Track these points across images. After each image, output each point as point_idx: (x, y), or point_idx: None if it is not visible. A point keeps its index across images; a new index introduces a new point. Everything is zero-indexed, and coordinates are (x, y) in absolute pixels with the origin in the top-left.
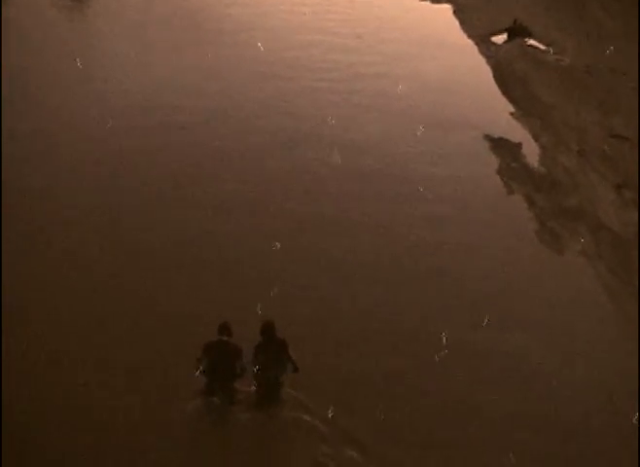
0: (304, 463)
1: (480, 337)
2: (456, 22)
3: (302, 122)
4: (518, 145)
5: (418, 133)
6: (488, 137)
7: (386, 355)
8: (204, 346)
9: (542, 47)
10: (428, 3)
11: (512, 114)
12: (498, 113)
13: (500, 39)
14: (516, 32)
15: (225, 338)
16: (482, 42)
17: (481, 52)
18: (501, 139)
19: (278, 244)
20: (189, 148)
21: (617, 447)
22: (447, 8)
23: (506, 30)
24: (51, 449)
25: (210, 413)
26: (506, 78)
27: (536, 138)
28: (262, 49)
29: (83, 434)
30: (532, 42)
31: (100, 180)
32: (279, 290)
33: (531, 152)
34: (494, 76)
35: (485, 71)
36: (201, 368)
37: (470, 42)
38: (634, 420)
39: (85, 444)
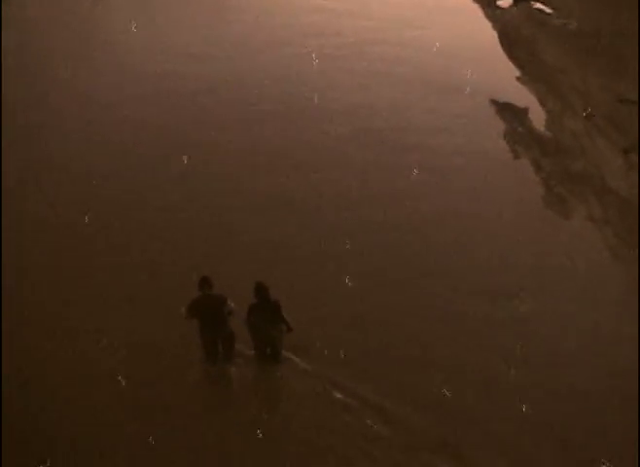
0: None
1: (488, 304)
2: None
3: (307, 88)
4: (525, 110)
5: (424, 98)
6: (494, 102)
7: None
8: (190, 304)
9: (548, 10)
10: None
11: (518, 78)
12: (504, 77)
13: (506, 3)
14: None
15: (207, 291)
16: (488, 6)
17: (487, 16)
18: (507, 104)
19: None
20: (196, 115)
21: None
22: None
23: None
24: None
25: (210, 373)
26: (512, 42)
27: (542, 103)
28: (266, 15)
29: (88, 400)
30: (538, 6)
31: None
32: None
33: (538, 116)
34: (500, 40)
35: (491, 36)
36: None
37: (475, 6)
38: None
39: (89, 410)
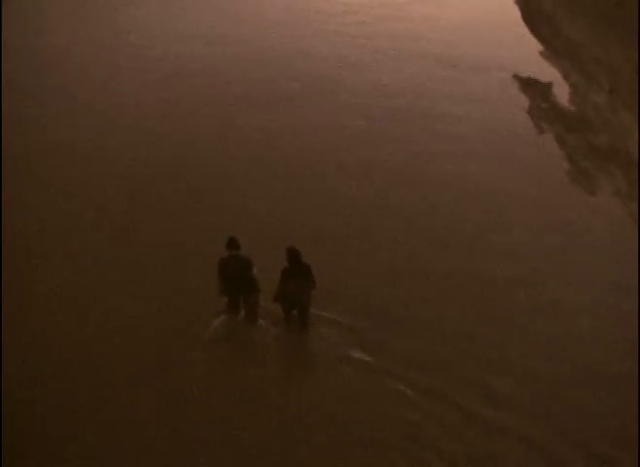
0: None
1: (518, 273)
2: None
3: (323, 66)
4: (548, 84)
5: (445, 76)
6: (518, 77)
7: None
8: (218, 264)
9: None
10: None
11: (541, 53)
12: (527, 53)
13: None
14: None
15: (234, 251)
16: None
17: None
18: (530, 79)
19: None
20: (210, 94)
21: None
22: None
23: None
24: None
25: (232, 328)
26: (534, 17)
27: (566, 77)
28: None
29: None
30: None
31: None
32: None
33: (561, 91)
34: (522, 15)
35: (513, 11)
36: (221, 288)
37: None
38: None
39: (114, 362)
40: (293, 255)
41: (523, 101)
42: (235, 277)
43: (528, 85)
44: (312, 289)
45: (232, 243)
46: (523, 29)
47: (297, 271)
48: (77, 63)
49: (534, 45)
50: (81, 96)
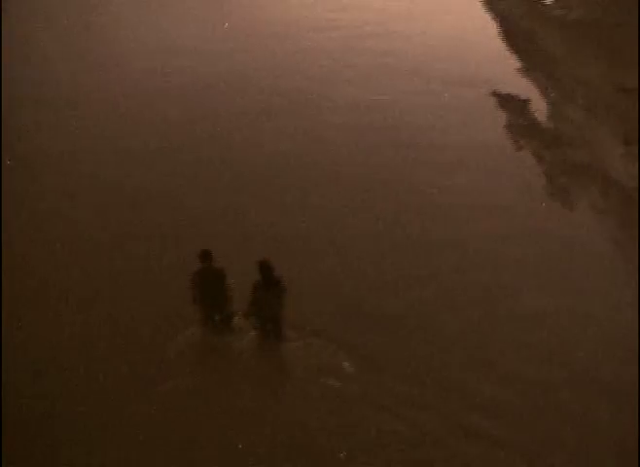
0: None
1: (491, 300)
2: None
3: (311, 82)
4: (526, 101)
5: (424, 91)
6: (496, 93)
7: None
8: (192, 276)
9: (548, 1)
10: None
11: (519, 70)
12: (505, 69)
13: None
14: None
15: (207, 264)
16: None
17: (487, 8)
18: (508, 95)
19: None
20: (199, 109)
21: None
22: None
23: None
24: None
25: (207, 341)
26: (512, 34)
27: (544, 93)
28: (265, 10)
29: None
30: None
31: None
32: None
33: (539, 107)
34: (500, 32)
35: (492, 28)
36: (194, 297)
37: None
38: None
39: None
40: (265, 267)
41: (501, 117)
42: (209, 289)
43: (506, 101)
44: (284, 300)
45: (206, 256)
46: (502, 45)
47: (269, 284)
48: (66, 75)
49: (512, 61)
50: (70, 108)
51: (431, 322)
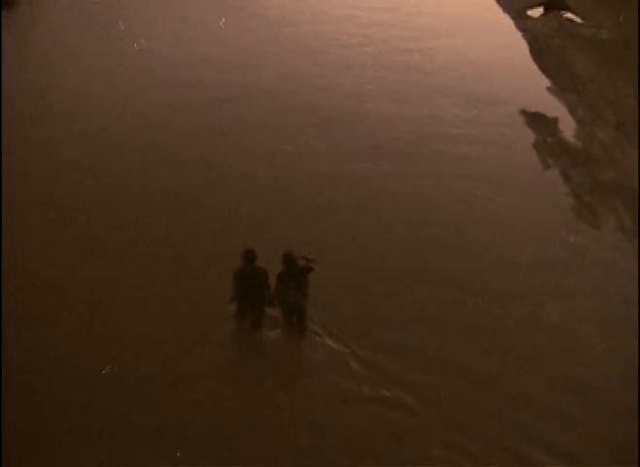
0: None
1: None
2: None
3: (338, 98)
4: (555, 119)
5: (453, 109)
6: (524, 112)
7: None
8: (233, 274)
9: (578, 20)
10: None
11: (548, 88)
12: (534, 87)
13: (536, 13)
14: (553, 6)
15: (250, 263)
16: (518, 16)
17: (517, 26)
18: (537, 114)
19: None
20: (220, 122)
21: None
22: None
23: (542, 4)
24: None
25: (241, 335)
26: (542, 52)
27: (572, 112)
28: (296, 24)
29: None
30: (569, 15)
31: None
32: None
33: (567, 126)
34: (530, 51)
35: (521, 46)
36: (233, 295)
37: (505, 16)
38: None
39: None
40: (289, 259)
41: (530, 135)
42: (249, 288)
43: (535, 119)
44: (307, 292)
45: (249, 255)
46: (532, 64)
47: (293, 276)
48: (82, 84)
49: (542, 80)
50: (86, 118)
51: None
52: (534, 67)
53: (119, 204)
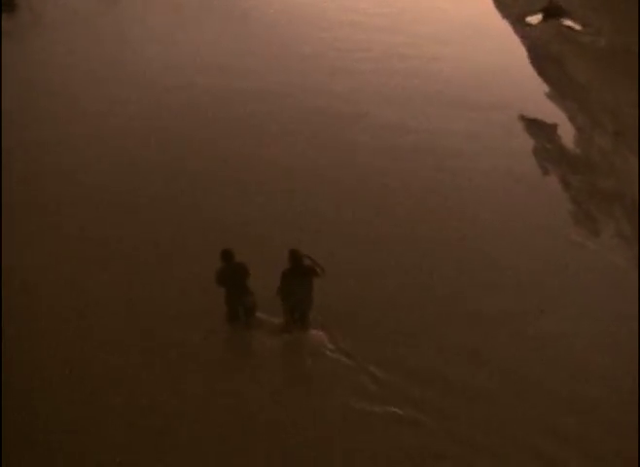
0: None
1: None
2: (491, 3)
3: (341, 102)
4: (554, 126)
5: (453, 114)
6: (523, 118)
7: None
8: (215, 274)
9: (578, 27)
10: None
11: (547, 95)
12: (533, 94)
13: (535, 20)
14: (552, 12)
15: (229, 262)
16: (517, 22)
17: (516, 32)
18: (536, 120)
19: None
20: (224, 127)
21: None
22: None
23: (541, 10)
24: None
25: (234, 335)
26: (541, 59)
27: (572, 119)
28: (296, 29)
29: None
30: (568, 22)
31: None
32: None
33: (567, 133)
34: (529, 57)
35: (520, 52)
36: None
37: (504, 23)
38: None
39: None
40: (294, 257)
41: (529, 141)
42: (232, 286)
43: (533, 125)
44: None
45: (226, 255)
46: (531, 70)
47: (297, 273)
48: (81, 88)
49: (540, 86)
50: (84, 124)
51: (452, 333)
52: (533, 73)
53: (114, 206)
